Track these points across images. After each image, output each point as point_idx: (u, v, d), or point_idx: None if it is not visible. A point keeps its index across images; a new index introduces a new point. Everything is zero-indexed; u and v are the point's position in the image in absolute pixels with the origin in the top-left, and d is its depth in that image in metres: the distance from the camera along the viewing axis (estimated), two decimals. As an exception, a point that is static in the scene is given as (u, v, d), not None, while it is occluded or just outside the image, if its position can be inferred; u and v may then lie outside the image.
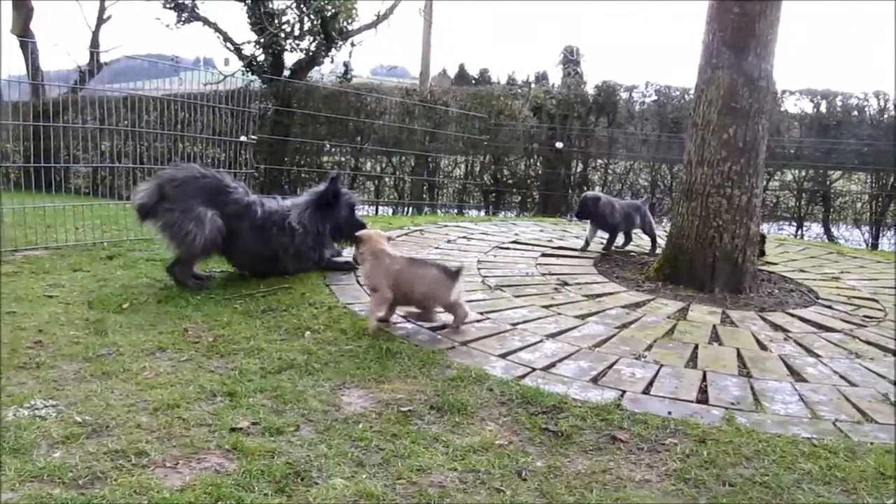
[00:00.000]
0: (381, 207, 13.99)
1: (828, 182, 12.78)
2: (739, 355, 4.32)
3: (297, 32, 16.91)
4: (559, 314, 4.94)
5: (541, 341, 4.38)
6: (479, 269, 6.05)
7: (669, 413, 3.46)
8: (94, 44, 23.52)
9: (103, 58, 20.99)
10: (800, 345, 4.61)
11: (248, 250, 5.62)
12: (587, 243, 7.09)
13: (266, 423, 3.19)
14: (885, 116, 12.58)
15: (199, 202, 5.41)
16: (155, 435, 3.06)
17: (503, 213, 13.60)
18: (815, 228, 12.85)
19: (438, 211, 13.25)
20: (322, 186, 5.90)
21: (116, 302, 5.05)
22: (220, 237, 5.43)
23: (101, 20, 23.85)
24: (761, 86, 5.77)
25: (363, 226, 5.86)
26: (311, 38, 17.02)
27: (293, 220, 5.65)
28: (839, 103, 12.77)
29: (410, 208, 13.74)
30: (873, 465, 3.02)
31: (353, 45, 17.84)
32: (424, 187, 13.98)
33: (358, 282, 5.51)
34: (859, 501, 2.77)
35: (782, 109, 12.99)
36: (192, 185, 5.48)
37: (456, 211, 13.40)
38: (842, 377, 4.07)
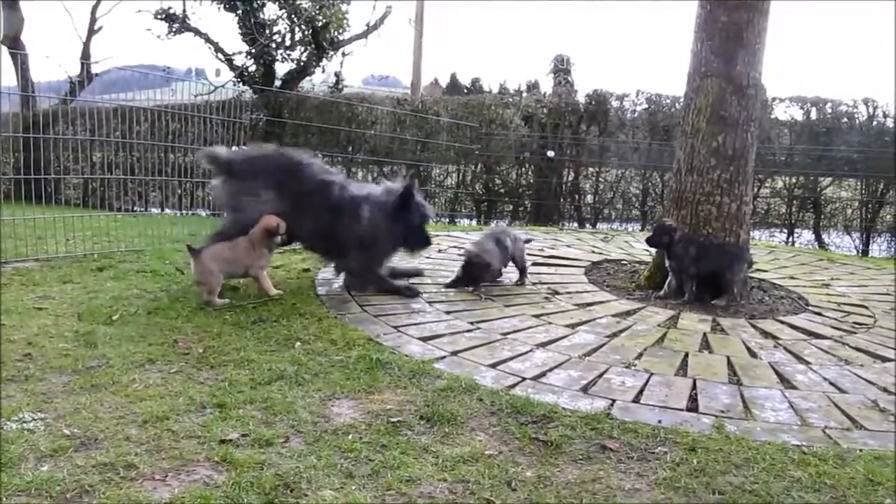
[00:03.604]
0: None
1: (818, 189, 12.83)
2: (730, 363, 4.33)
3: (288, 43, 16.93)
4: (549, 323, 4.95)
5: (531, 350, 4.38)
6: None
7: (659, 422, 3.47)
8: (86, 55, 23.52)
9: (94, 69, 20.96)
10: (790, 352, 4.62)
11: (317, 229, 5.59)
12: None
13: (255, 435, 3.18)
14: (875, 123, 12.63)
15: (263, 182, 5.51)
16: (144, 447, 3.05)
17: (495, 222, 13.60)
18: (806, 235, 12.89)
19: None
20: (397, 185, 5.77)
21: (106, 314, 5.03)
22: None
23: (92, 31, 23.85)
24: (750, 94, 5.80)
25: (428, 241, 5.86)
26: (303, 49, 17.05)
27: (365, 213, 5.55)
28: (829, 110, 12.81)
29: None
30: (862, 471, 3.02)
31: (344, 54, 17.88)
32: (416, 196, 13.94)
33: (350, 294, 5.50)
34: (848, 509, 2.78)
35: (772, 117, 13.03)
36: (260, 163, 5.61)
37: (448, 220, 13.40)
38: (832, 384, 4.08)
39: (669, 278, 5.84)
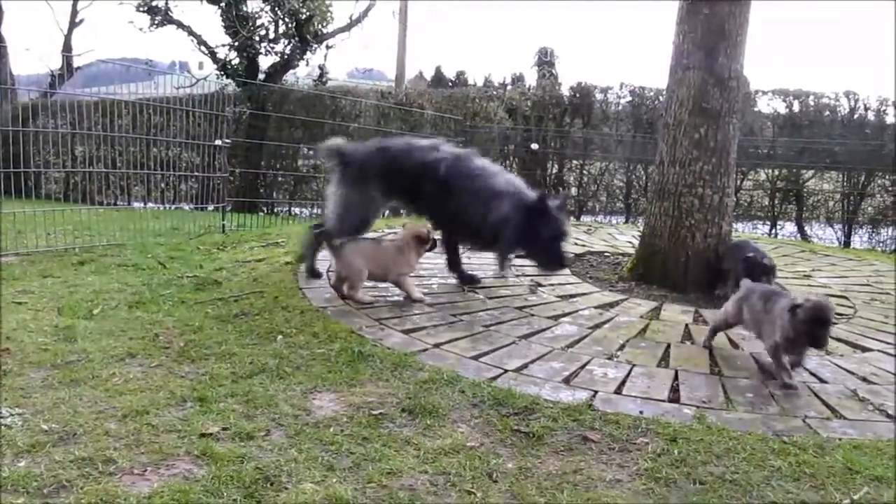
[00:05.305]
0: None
1: (801, 181, 12.93)
2: (711, 354, 4.35)
3: (271, 36, 16.87)
4: (532, 315, 4.95)
5: (513, 342, 4.38)
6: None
7: (641, 413, 3.48)
8: (67, 47, 23.30)
9: (76, 62, 20.78)
10: (771, 343, 4.63)
11: (432, 205, 5.53)
12: None
13: (236, 429, 3.16)
14: (856, 116, 12.74)
15: (374, 181, 5.44)
16: (123, 442, 3.03)
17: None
18: (789, 227, 13.00)
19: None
20: (532, 194, 5.39)
21: (87, 308, 4.99)
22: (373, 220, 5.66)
23: (73, 24, 23.62)
24: (731, 86, 5.81)
25: (561, 261, 5.47)
26: (286, 42, 17.00)
27: (502, 208, 5.22)
28: (811, 103, 12.91)
29: (387, 211, 13.72)
30: (841, 460, 3.04)
31: (327, 47, 17.84)
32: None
33: (332, 287, 5.48)
34: (827, 497, 2.79)
35: (755, 109, 13.12)
36: (371, 161, 5.49)
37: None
38: (812, 374, 4.10)
39: (730, 281, 5.51)
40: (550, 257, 5.39)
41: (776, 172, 12.93)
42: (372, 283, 5.29)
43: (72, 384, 3.64)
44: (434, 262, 6.21)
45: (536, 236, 5.23)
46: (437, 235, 5.50)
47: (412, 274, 5.37)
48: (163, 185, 12.34)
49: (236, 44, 16.47)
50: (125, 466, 2.83)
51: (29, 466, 2.79)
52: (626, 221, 12.73)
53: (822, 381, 4.02)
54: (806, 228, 12.92)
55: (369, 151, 5.60)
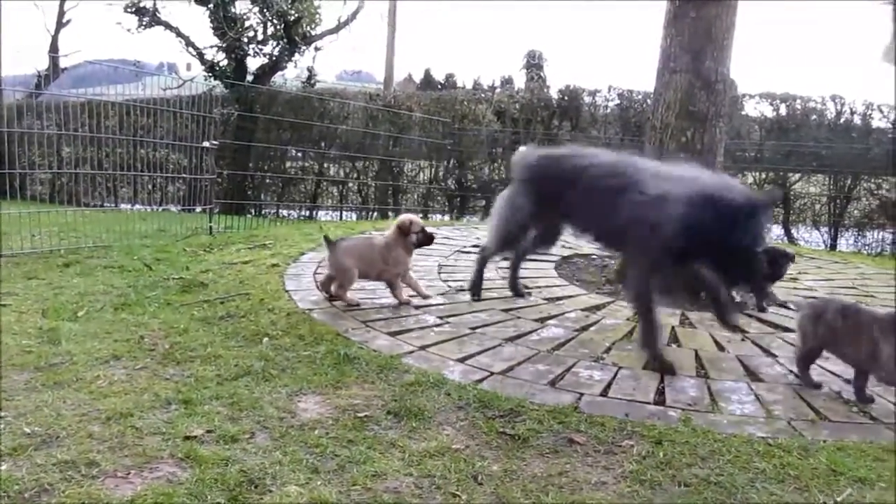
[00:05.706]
0: (345, 213, 13.96)
1: (787, 184, 12.98)
2: (697, 356, 4.35)
3: (260, 37, 16.84)
4: (518, 318, 4.95)
5: (500, 345, 4.38)
6: (439, 273, 6.04)
7: (627, 415, 3.48)
8: (54, 48, 23.17)
9: (63, 62, 20.67)
10: (757, 345, 4.65)
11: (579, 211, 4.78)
12: None
13: (221, 431, 3.15)
14: (842, 120, 12.81)
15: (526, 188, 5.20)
16: (107, 445, 3.01)
17: (468, 217, 13.61)
18: (776, 230, 13.05)
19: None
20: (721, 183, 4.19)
21: (71, 310, 4.96)
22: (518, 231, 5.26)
23: (60, 24, 23.49)
24: (718, 89, 5.82)
25: (757, 274, 4.26)
26: (275, 43, 16.97)
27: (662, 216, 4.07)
28: (798, 107, 12.97)
29: (375, 213, 13.73)
30: (825, 462, 3.05)
31: (316, 49, 17.82)
32: (389, 192, 13.97)
33: (319, 289, 5.47)
34: (811, 499, 2.80)
35: (743, 113, 13.18)
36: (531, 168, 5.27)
37: (421, 216, 13.39)
38: (797, 376, 4.11)
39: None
40: (749, 265, 4.13)
41: (763, 175, 12.98)
42: (360, 285, 5.28)
43: (55, 386, 3.62)
44: (422, 264, 6.21)
45: (727, 244, 3.97)
46: (431, 229, 5.45)
47: (406, 271, 5.26)
48: (150, 186, 12.32)
49: (224, 45, 16.43)
50: (108, 469, 2.81)
51: (11, 470, 2.77)
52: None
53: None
54: (792, 231, 12.98)
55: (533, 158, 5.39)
